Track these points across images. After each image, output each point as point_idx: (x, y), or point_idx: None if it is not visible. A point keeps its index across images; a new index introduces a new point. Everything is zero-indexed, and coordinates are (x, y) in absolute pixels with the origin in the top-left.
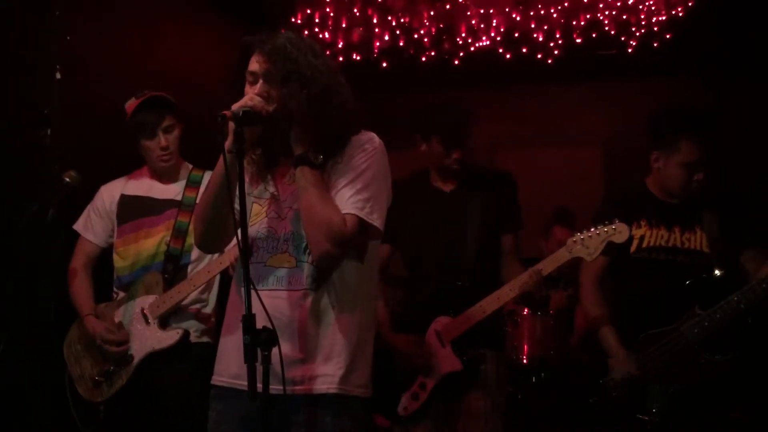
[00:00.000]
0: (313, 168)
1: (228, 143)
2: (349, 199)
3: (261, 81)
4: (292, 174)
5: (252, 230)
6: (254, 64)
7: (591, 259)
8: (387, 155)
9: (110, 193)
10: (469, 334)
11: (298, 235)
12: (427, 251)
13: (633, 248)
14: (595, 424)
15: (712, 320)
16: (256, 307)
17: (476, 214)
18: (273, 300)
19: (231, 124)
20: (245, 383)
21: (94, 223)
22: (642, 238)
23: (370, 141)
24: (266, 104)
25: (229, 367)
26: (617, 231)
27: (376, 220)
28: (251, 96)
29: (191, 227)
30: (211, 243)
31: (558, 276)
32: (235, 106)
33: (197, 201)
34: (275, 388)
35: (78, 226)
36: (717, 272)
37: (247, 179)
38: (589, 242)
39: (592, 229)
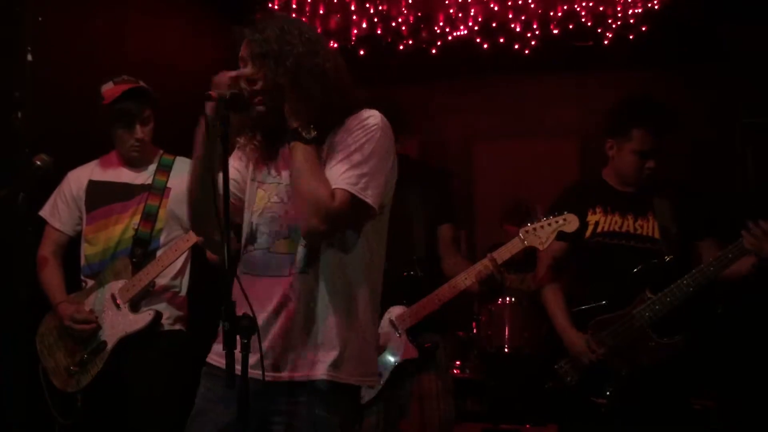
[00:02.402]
0: (305, 142)
1: (210, 117)
2: (341, 175)
3: (250, 64)
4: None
5: (255, 216)
6: (244, 50)
7: (543, 248)
8: (390, 133)
9: (77, 180)
10: (420, 322)
11: (296, 218)
12: None
13: (588, 233)
14: (555, 409)
15: (662, 303)
16: (255, 294)
17: (418, 206)
18: (273, 286)
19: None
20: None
21: (60, 211)
22: (597, 223)
23: (370, 118)
24: (250, 86)
25: (218, 346)
26: (567, 221)
27: (370, 197)
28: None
29: (161, 212)
30: (202, 226)
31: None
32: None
33: (167, 185)
34: (254, 373)
35: (44, 212)
36: (667, 258)
37: (251, 165)
38: (541, 232)
39: (543, 219)
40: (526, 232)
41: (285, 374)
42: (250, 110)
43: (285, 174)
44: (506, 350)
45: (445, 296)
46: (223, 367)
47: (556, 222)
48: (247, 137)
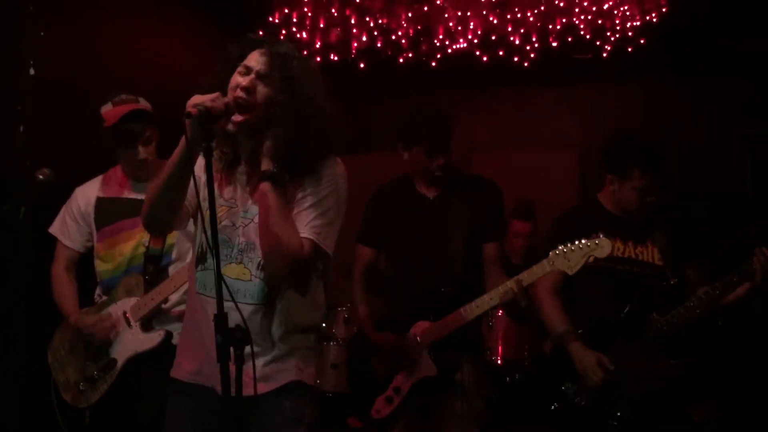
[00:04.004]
0: (279, 186)
1: (190, 135)
2: (308, 223)
3: (253, 76)
4: (254, 184)
5: (205, 237)
6: (252, 61)
7: (572, 273)
8: (347, 181)
9: (85, 196)
10: (447, 338)
11: (253, 247)
12: (413, 257)
13: (591, 258)
14: (563, 428)
15: (671, 325)
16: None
17: (460, 220)
18: (231, 312)
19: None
20: (203, 381)
21: (70, 228)
22: None
23: (337, 166)
24: (223, 103)
25: (188, 363)
26: (599, 246)
27: (329, 247)
28: (217, 95)
29: None
30: (156, 224)
31: None
32: (197, 100)
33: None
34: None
35: (54, 230)
36: (672, 281)
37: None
38: (571, 255)
39: (576, 242)
40: (556, 254)
41: (248, 391)
42: (227, 118)
43: (240, 200)
44: (506, 363)
45: (470, 314)
46: (194, 383)
47: (588, 246)
48: (216, 144)
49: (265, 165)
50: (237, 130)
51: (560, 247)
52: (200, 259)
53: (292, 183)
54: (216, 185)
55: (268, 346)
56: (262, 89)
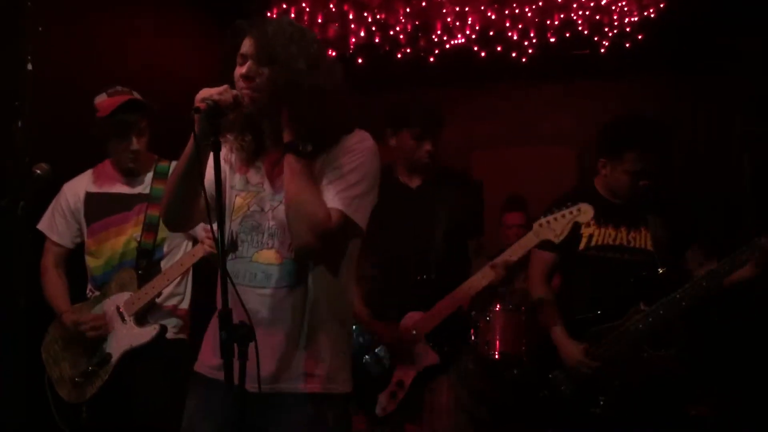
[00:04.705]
0: (301, 156)
1: (198, 130)
2: (336, 194)
3: (250, 63)
4: (282, 164)
5: (234, 224)
6: (245, 47)
7: (558, 241)
8: (379, 158)
9: (74, 192)
10: (443, 326)
11: (284, 229)
12: (395, 247)
13: (582, 245)
14: (552, 418)
15: (656, 316)
16: (239, 303)
17: (444, 211)
18: (260, 297)
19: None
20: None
21: (58, 224)
22: (591, 236)
23: (366, 140)
24: (231, 96)
25: (211, 357)
26: (581, 211)
27: (359, 219)
28: (225, 88)
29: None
30: (175, 222)
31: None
32: (205, 93)
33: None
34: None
35: (42, 226)
36: (660, 270)
37: (227, 167)
38: (555, 224)
39: (556, 212)
40: (540, 226)
41: (279, 386)
42: (236, 110)
43: (267, 183)
44: (503, 357)
45: (462, 297)
46: (216, 378)
47: (570, 213)
48: (236, 135)
49: (287, 138)
50: (252, 106)
51: (542, 219)
52: (230, 247)
53: (317, 156)
54: (239, 172)
55: (298, 333)
56: (260, 72)
